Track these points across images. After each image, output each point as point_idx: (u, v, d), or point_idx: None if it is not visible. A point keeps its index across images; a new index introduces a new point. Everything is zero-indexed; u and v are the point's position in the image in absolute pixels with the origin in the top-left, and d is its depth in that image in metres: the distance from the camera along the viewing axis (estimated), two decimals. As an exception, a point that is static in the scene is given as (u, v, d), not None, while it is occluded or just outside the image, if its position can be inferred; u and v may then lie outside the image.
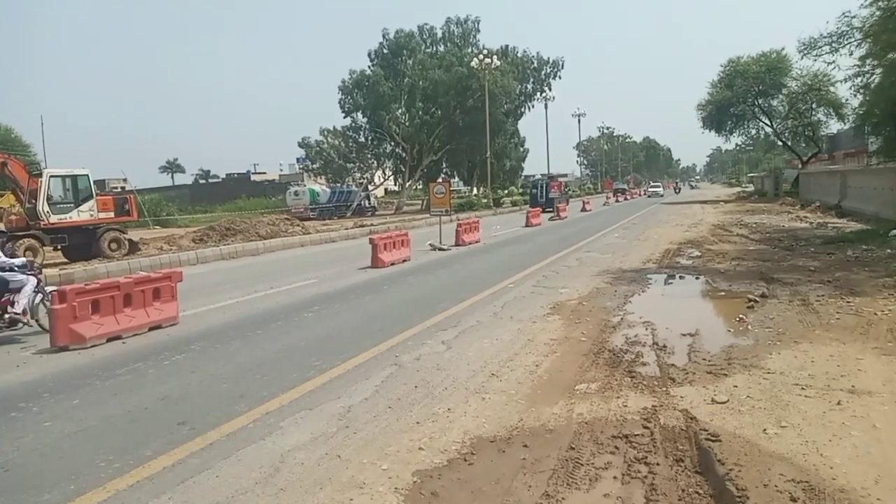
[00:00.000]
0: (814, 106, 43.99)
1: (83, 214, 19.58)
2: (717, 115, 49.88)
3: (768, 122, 49.78)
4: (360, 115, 53.03)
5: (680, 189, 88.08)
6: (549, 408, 5.16)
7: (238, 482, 4.08)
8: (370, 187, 56.59)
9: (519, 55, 56.75)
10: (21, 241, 17.68)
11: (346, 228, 29.68)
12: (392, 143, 54.02)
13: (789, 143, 51.33)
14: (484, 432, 4.72)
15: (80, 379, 6.64)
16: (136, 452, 4.61)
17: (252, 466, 4.31)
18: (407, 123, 52.08)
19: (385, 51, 52.04)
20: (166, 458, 4.49)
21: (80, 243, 19.56)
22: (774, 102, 47.93)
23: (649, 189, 79.46)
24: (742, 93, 46.67)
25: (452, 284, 12.43)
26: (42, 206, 18.45)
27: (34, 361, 7.52)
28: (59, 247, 19.45)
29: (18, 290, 8.50)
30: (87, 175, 20.15)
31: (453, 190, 28.86)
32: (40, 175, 19.24)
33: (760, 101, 47.98)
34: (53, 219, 18.73)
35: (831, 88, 40.57)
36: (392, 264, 15.49)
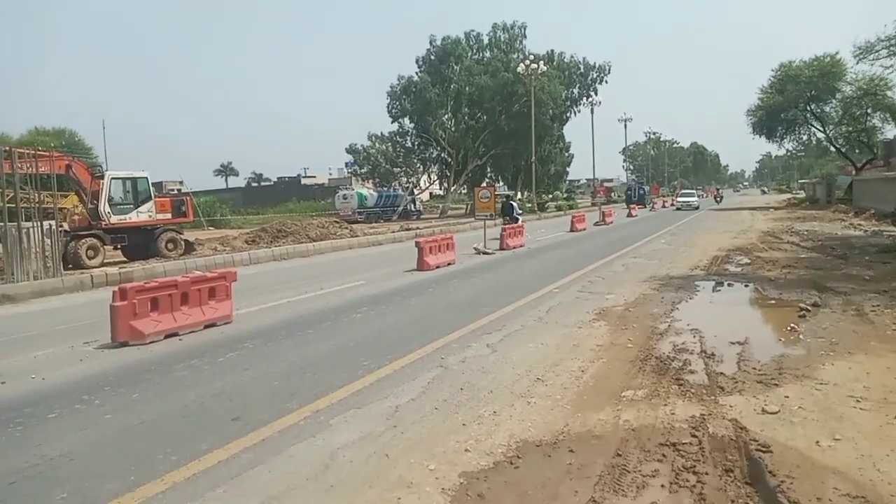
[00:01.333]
0: (869, 111, 42.57)
1: (142, 215, 20.28)
2: (768, 120, 48.70)
3: (821, 128, 48.40)
4: (407, 120, 53.61)
5: (721, 197, 70.44)
6: (596, 414, 5.16)
7: (290, 478, 4.20)
8: (416, 191, 57.03)
9: (566, 60, 56.40)
10: (83, 241, 18.43)
11: (393, 232, 29.99)
12: (438, 148, 54.39)
13: (843, 149, 49.74)
14: (530, 436, 4.76)
15: (140, 374, 6.91)
16: (192, 446, 4.79)
17: (303, 463, 4.43)
18: (453, 128, 52.36)
19: (432, 57, 52.36)
20: (221, 453, 4.64)
21: (139, 243, 20.28)
22: (827, 108, 46.55)
23: (678, 199, 58.38)
24: (794, 98, 45.41)
25: (497, 288, 12.46)
26: (103, 207, 19.18)
27: (96, 356, 7.85)
28: (118, 246, 20.20)
29: None
30: (147, 177, 20.88)
31: (498, 194, 28.92)
32: (102, 177, 20.00)
33: (813, 107, 46.63)
34: (114, 219, 19.45)
35: (888, 93, 39.28)
36: (437, 267, 15.62)
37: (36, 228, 14.81)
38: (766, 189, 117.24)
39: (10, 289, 13.48)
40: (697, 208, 50.46)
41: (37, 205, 15.73)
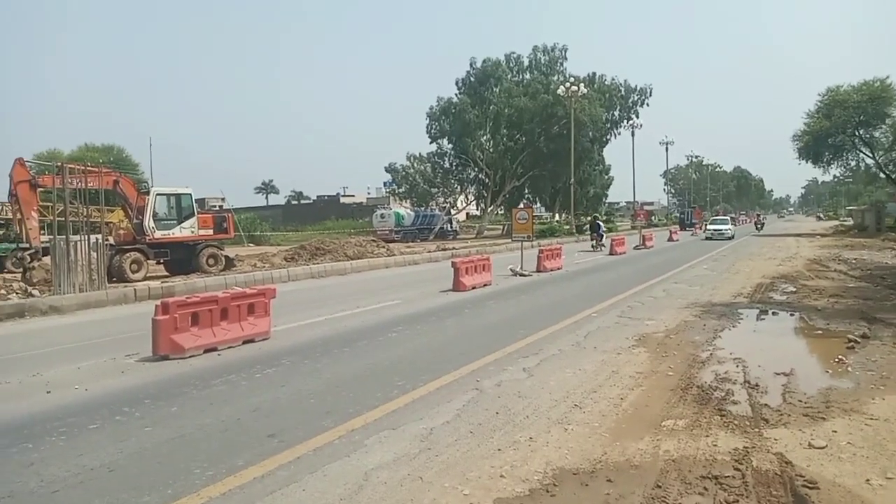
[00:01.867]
0: (922, 137, 41.40)
1: (185, 231, 20.74)
2: (815, 145, 47.68)
3: (870, 154, 47.20)
4: (445, 141, 54.03)
5: (763, 224, 62.15)
6: (635, 443, 5.04)
7: (323, 497, 4.19)
8: (452, 211, 57.20)
9: (606, 83, 56.30)
10: (128, 255, 18.90)
11: (429, 251, 30.08)
12: (476, 169, 54.60)
13: (893, 176, 48.33)
14: (566, 464, 4.66)
15: (179, 387, 7.01)
16: (228, 461, 4.82)
17: (337, 482, 4.42)
18: (491, 150, 52.55)
19: (472, 79, 52.81)
20: (256, 469, 4.66)
21: (181, 258, 20.72)
22: (877, 133, 45.43)
23: (708, 226, 46.70)
24: (841, 123, 44.41)
25: (533, 311, 12.35)
26: (148, 222, 19.67)
27: (137, 369, 8.00)
28: (161, 261, 20.64)
29: None
30: (190, 194, 21.37)
31: (535, 216, 28.82)
32: (148, 193, 20.56)
33: (861, 132, 45.55)
34: (158, 234, 19.92)
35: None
36: (473, 288, 15.58)
37: (83, 242, 15.23)
38: (821, 215, 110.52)
39: (57, 300, 13.87)
40: (731, 238, 40.74)
41: (84, 219, 16.21)
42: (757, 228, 58.52)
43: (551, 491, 4.23)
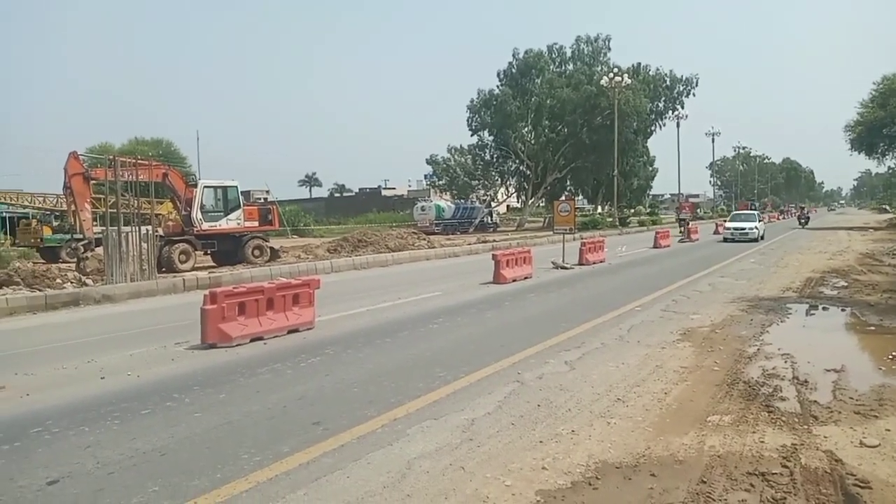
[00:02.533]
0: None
1: (231, 223, 21.16)
2: (868, 136, 46.04)
3: (927, 145, 45.37)
4: (486, 133, 53.80)
5: (808, 218, 53.31)
6: (679, 438, 4.98)
7: (367, 485, 4.25)
8: (493, 204, 57.04)
9: (651, 73, 55.21)
10: (176, 246, 19.38)
11: (469, 244, 30.09)
12: (517, 161, 54.29)
13: (950, 167, 46.45)
14: (609, 457, 4.64)
15: (226, 375, 7.19)
16: (274, 448, 4.92)
17: (380, 470, 4.48)
18: (532, 141, 52.17)
19: (514, 70, 52.39)
20: (302, 456, 4.75)
21: (227, 249, 21.16)
22: (936, 123, 43.59)
23: (727, 224, 34.93)
24: (897, 112, 42.77)
25: (575, 304, 12.27)
26: (196, 214, 20.14)
27: (186, 356, 8.22)
28: (208, 251, 21.10)
29: None
30: (237, 186, 21.78)
31: (577, 208, 28.52)
32: (195, 185, 21.02)
33: (918, 122, 43.77)
34: (205, 226, 20.37)
35: None
36: (514, 281, 15.54)
37: (134, 233, 15.67)
38: (888, 206, 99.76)
39: (110, 289, 14.32)
40: (757, 239, 31.15)
41: (135, 210, 16.66)
42: (800, 223, 50.36)
43: (594, 484, 4.21)
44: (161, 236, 19.83)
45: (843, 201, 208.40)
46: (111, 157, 18.10)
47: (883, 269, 17.30)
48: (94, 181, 18.71)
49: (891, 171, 65.69)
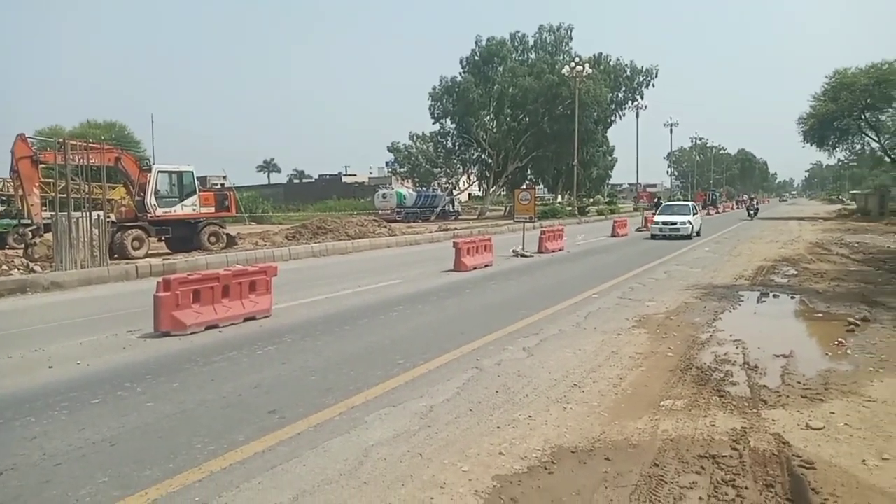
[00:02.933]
0: (928, 121, 41.07)
1: (186, 208, 20.73)
2: (820, 128, 47.32)
3: (875, 138, 46.86)
4: (448, 120, 53.69)
5: (757, 210, 48.98)
6: (633, 422, 5.07)
7: (324, 472, 4.23)
8: (455, 192, 57.08)
9: (612, 63, 55.75)
10: (129, 232, 18.91)
11: (431, 231, 30.07)
12: (478, 149, 54.34)
13: (898, 160, 48.11)
14: (565, 442, 4.69)
15: (180, 364, 7.05)
16: (229, 437, 4.86)
17: (337, 458, 4.45)
18: (494, 130, 52.25)
19: (476, 58, 52.29)
20: (257, 444, 4.70)
21: (182, 235, 20.75)
22: (883, 117, 45.02)
23: (656, 217, 28.82)
24: (848, 106, 43.98)
25: (534, 292, 12.37)
26: (150, 199, 19.66)
27: (138, 345, 8.03)
28: (162, 238, 20.65)
29: None
30: (192, 172, 21.33)
31: (538, 197, 28.69)
32: (149, 170, 20.51)
33: (868, 115, 45.11)
34: (159, 211, 19.92)
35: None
36: (474, 269, 15.59)
37: (85, 219, 15.24)
38: (844, 199, 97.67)
39: (59, 276, 13.91)
40: (690, 236, 26.26)
41: (86, 195, 16.19)
42: (749, 215, 46.73)
43: (549, 468, 4.26)
44: (113, 222, 19.32)
45: (794, 192, 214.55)
46: (61, 139, 17.50)
47: (831, 257, 17.86)
48: (42, 165, 18.13)
49: (841, 163, 67.71)
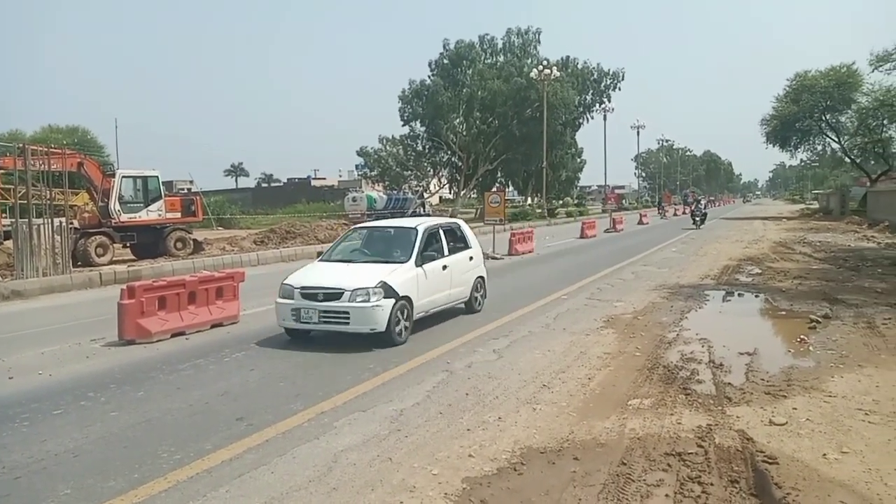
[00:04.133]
0: (885, 122, 42.15)
1: (152, 214, 20.37)
2: (782, 130, 48.38)
3: (836, 139, 48.04)
4: (418, 123, 53.55)
5: (704, 216, 36.14)
6: (601, 422, 5.12)
7: (292, 479, 4.19)
8: (425, 195, 57.01)
9: (579, 66, 56.28)
10: (93, 238, 18.51)
11: (401, 235, 29.91)
12: (448, 152, 54.32)
13: (857, 161, 49.34)
14: (534, 443, 4.72)
15: (145, 372, 6.93)
16: (196, 445, 4.79)
17: (306, 465, 4.42)
18: (464, 133, 52.31)
19: (445, 61, 52.33)
20: (225, 452, 4.64)
21: (148, 241, 20.37)
22: (843, 118, 46.15)
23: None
24: (809, 108, 45.10)
25: (504, 294, 12.40)
26: (114, 205, 19.27)
27: (103, 353, 7.89)
28: (127, 244, 20.28)
29: None
30: (157, 176, 20.98)
31: (508, 200, 28.80)
32: (113, 175, 20.14)
33: (828, 117, 46.28)
34: (124, 217, 19.53)
35: (904, 104, 38.89)
36: (445, 272, 15.55)
37: (46, 225, 14.90)
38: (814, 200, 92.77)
39: (20, 285, 13.57)
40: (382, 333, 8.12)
41: (48, 202, 15.84)
42: (695, 222, 34.50)
43: (519, 469, 4.28)
44: (76, 228, 18.88)
45: (759, 192, 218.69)
46: (21, 144, 17.10)
47: (794, 256, 18.26)
48: (2, 170, 17.69)
49: (803, 163, 69.18)
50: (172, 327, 8.52)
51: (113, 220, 19.32)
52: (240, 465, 4.43)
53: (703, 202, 37.07)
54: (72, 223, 18.00)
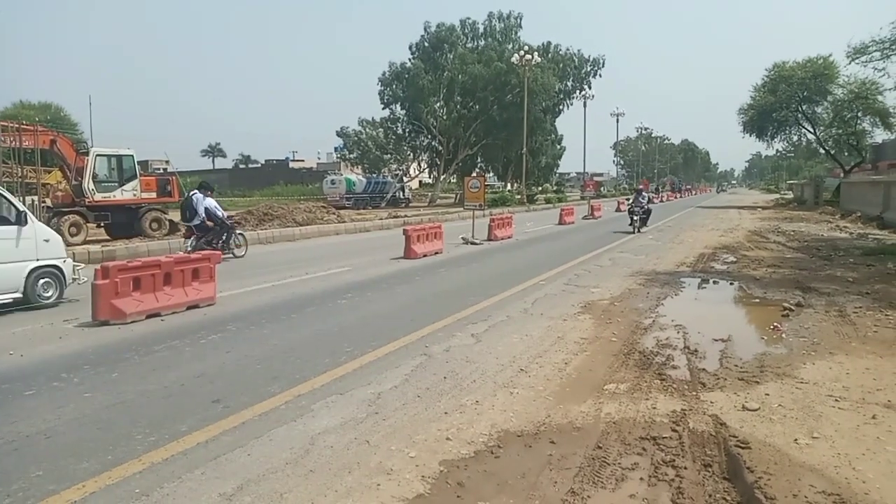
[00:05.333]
0: (859, 114, 42.77)
1: (126, 194, 20.08)
2: (759, 119, 48.83)
3: (811, 130, 48.62)
4: (398, 107, 53.28)
5: (647, 213, 25.41)
6: (577, 406, 5.17)
7: (269, 461, 4.18)
8: (405, 179, 56.83)
9: (560, 53, 56.29)
10: (66, 217, 18.19)
11: (381, 219, 29.90)
12: (429, 136, 54.13)
13: (832, 152, 50.06)
14: (511, 426, 4.75)
15: (120, 353, 6.84)
16: (171, 427, 4.75)
17: (283, 447, 4.41)
18: (444, 117, 52.12)
19: (426, 44, 52.00)
20: (200, 434, 4.61)
21: (123, 221, 20.09)
22: (819, 109, 46.69)
23: None
24: (786, 98, 45.56)
25: (483, 279, 12.44)
26: (87, 184, 18.94)
27: (76, 334, 7.77)
28: (101, 224, 19.97)
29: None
30: (132, 155, 20.63)
31: (487, 185, 28.76)
32: (87, 154, 19.76)
33: (804, 108, 46.78)
34: (98, 197, 19.22)
35: (879, 97, 39.51)
36: (424, 256, 15.59)
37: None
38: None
39: (-9, 263, 13.28)
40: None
41: (19, 180, 15.52)
42: (632, 223, 24.06)
43: (496, 452, 4.31)
44: (49, 207, 18.58)
45: (735, 181, 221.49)
46: (-10, 120, 16.70)
47: (769, 245, 18.52)
48: (-30, 147, 17.26)
49: (779, 153, 69.91)
50: (147, 308, 8.42)
51: (87, 200, 18.99)
52: (215, 447, 4.40)
53: (645, 196, 25.89)
54: (44, 202, 17.67)
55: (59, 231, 17.46)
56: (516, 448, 4.39)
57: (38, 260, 9.22)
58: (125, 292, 8.22)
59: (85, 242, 18.06)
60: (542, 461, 4.17)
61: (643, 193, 26.10)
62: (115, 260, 12.01)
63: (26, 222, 9.16)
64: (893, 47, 23.19)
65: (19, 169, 15.85)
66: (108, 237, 20.14)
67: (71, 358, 6.68)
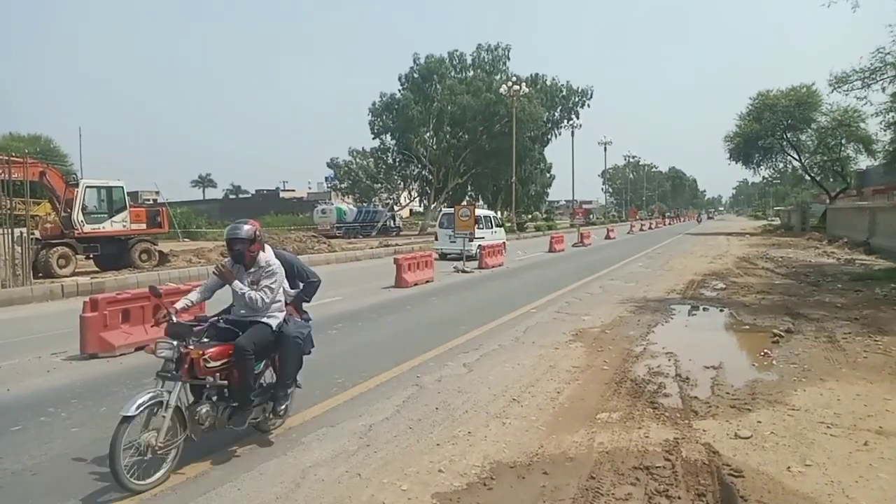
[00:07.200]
0: (843, 141, 43.39)
1: (116, 225, 20.03)
2: (745, 147, 49.45)
3: (796, 157, 49.27)
4: (388, 137, 53.75)
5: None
6: (570, 436, 5.15)
7: (259, 496, 4.13)
8: (395, 208, 57.03)
9: (548, 83, 57.03)
10: (55, 249, 18.09)
11: (371, 248, 29.90)
12: (419, 166, 54.56)
13: (817, 178, 50.67)
14: (504, 457, 4.72)
15: (108, 387, 6.77)
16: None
17: (273, 481, 4.36)
18: (434, 146, 52.56)
19: (415, 75, 52.64)
20: (190, 469, 4.55)
21: (112, 253, 20.00)
22: (803, 137, 47.37)
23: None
24: (770, 126, 46.25)
25: (475, 307, 12.44)
26: (77, 216, 18.90)
27: (64, 367, 7.69)
28: (91, 255, 19.87)
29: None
30: (122, 187, 20.63)
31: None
32: (77, 185, 19.74)
33: (789, 135, 47.47)
34: (87, 228, 19.16)
35: (861, 124, 40.16)
36: (415, 284, 15.59)
37: (6, 235, 14.53)
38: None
39: (-22, 296, 13.18)
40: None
41: (8, 211, 15.44)
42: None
43: (488, 484, 4.27)
44: (38, 239, 18.45)
45: (722, 208, 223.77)
46: (-20, 153, 16.66)
47: (757, 271, 18.63)
48: (-41, 179, 17.17)
49: (765, 180, 70.62)
50: (136, 341, 8.35)
51: (76, 231, 18.93)
52: (205, 482, 4.34)
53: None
54: (33, 234, 17.56)
55: (47, 263, 17.45)
56: (509, 479, 4.36)
57: None
58: (114, 325, 8.16)
59: (74, 274, 17.95)
60: (536, 493, 4.14)
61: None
62: (105, 292, 11.91)
63: None
64: (874, 76, 23.63)
65: (8, 201, 15.75)
66: (97, 269, 20.03)
67: (58, 392, 6.61)
